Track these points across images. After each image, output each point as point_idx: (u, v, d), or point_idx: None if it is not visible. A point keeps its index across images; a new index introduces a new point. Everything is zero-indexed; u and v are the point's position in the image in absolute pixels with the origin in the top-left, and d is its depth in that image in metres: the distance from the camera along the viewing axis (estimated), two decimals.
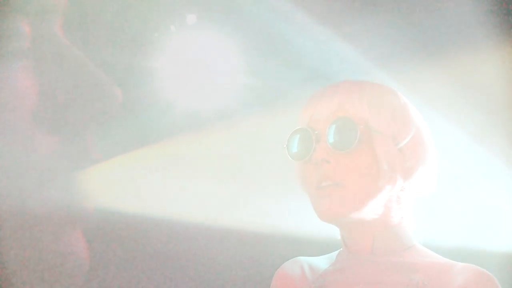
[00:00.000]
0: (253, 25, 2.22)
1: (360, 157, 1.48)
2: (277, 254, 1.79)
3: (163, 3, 2.22)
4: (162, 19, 2.22)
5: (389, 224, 1.52)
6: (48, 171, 2.02)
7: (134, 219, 2.19)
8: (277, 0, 2.19)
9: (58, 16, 2.00)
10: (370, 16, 2.17)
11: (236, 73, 2.24)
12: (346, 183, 1.47)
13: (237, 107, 2.25)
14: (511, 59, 2.09)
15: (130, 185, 2.19)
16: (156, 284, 2.28)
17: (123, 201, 2.17)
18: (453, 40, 2.15)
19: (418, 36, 2.17)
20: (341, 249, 1.58)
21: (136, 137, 2.21)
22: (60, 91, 2.01)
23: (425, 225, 1.59)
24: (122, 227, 2.21)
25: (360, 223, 1.51)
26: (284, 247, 2.08)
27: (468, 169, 2.16)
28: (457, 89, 2.13)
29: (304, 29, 2.20)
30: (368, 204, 1.48)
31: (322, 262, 1.59)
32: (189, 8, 2.22)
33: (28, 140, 1.99)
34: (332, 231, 1.58)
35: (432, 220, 1.72)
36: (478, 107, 2.12)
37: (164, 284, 2.29)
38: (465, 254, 1.67)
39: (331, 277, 1.53)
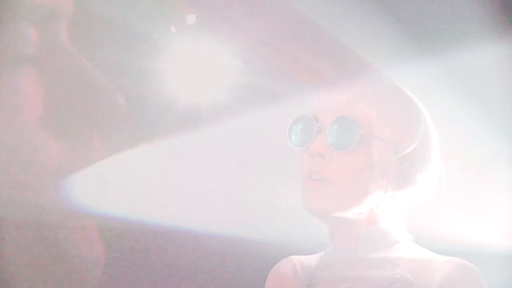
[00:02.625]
0: (252, 23, 2.22)
1: (356, 159, 1.48)
2: (274, 254, 1.80)
3: (169, 4, 2.22)
4: (166, 20, 2.23)
5: (375, 222, 1.52)
6: (53, 175, 2.04)
7: (137, 220, 2.20)
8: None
9: (64, 22, 2.02)
10: (369, 14, 2.17)
11: (237, 72, 2.25)
12: (334, 181, 1.47)
13: (238, 106, 2.26)
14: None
15: (132, 186, 2.20)
16: (158, 285, 2.29)
17: (125, 202, 2.18)
18: (454, 37, 2.14)
19: (418, 34, 2.17)
20: (329, 246, 1.58)
21: (138, 137, 2.22)
22: (65, 97, 2.03)
23: (421, 224, 1.59)
24: (124, 228, 2.22)
25: (346, 221, 1.51)
26: (281, 247, 2.08)
27: (468, 167, 2.15)
28: (458, 87, 2.12)
29: (305, 27, 2.20)
30: (354, 206, 1.49)
31: (313, 260, 1.60)
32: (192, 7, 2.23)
33: (34, 144, 2.01)
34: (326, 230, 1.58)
35: (428, 218, 1.71)
36: (478, 106, 2.11)
37: (166, 284, 2.30)
38: (463, 253, 1.66)
39: (319, 274, 1.55)
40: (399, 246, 1.53)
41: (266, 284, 1.63)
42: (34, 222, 2.03)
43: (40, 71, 1.97)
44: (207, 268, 2.30)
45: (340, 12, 2.18)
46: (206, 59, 2.24)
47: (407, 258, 1.50)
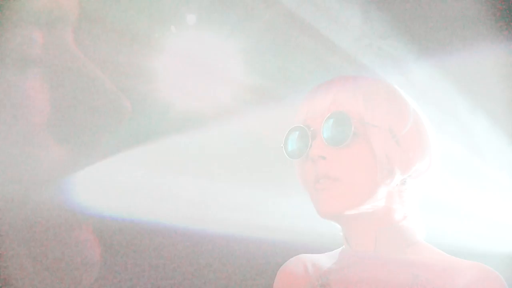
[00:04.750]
0: (252, 24, 2.22)
1: (357, 151, 1.47)
2: (279, 253, 1.79)
3: (173, 6, 2.22)
4: (168, 21, 2.23)
5: (392, 220, 1.51)
6: (58, 175, 2.03)
7: (137, 221, 2.19)
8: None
9: (69, 25, 2.01)
10: (369, 14, 2.17)
11: (236, 72, 2.24)
12: (343, 178, 1.46)
13: (238, 107, 2.25)
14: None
15: (133, 187, 2.20)
16: (158, 284, 2.28)
17: (125, 203, 2.17)
18: (455, 38, 2.15)
19: (418, 34, 2.18)
20: (344, 246, 1.57)
21: (138, 138, 2.21)
22: (69, 99, 2.02)
23: (428, 224, 1.58)
24: (124, 228, 2.21)
25: (361, 220, 1.50)
26: (286, 247, 2.08)
27: (469, 169, 2.15)
28: (458, 88, 2.13)
29: (304, 27, 2.20)
30: (367, 199, 1.47)
31: (324, 259, 1.58)
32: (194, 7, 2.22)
33: (36, 145, 2.01)
34: (334, 229, 1.57)
35: (435, 219, 1.71)
36: (478, 107, 2.12)
37: (167, 283, 2.29)
38: (468, 253, 1.66)
39: (334, 275, 1.52)
40: (418, 247, 1.51)
41: (275, 283, 1.60)
42: (34, 222, 2.02)
43: (45, 73, 1.96)
44: (210, 268, 2.29)
45: (339, 12, 2.19)
46: (205, 59, 2.24)
47: (427, 260, 1.48)
